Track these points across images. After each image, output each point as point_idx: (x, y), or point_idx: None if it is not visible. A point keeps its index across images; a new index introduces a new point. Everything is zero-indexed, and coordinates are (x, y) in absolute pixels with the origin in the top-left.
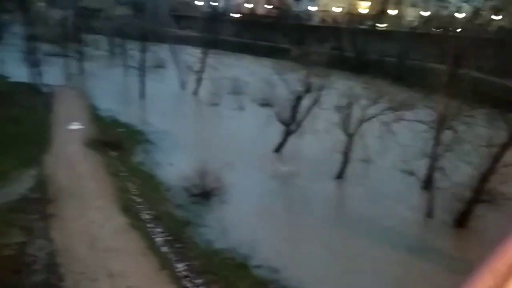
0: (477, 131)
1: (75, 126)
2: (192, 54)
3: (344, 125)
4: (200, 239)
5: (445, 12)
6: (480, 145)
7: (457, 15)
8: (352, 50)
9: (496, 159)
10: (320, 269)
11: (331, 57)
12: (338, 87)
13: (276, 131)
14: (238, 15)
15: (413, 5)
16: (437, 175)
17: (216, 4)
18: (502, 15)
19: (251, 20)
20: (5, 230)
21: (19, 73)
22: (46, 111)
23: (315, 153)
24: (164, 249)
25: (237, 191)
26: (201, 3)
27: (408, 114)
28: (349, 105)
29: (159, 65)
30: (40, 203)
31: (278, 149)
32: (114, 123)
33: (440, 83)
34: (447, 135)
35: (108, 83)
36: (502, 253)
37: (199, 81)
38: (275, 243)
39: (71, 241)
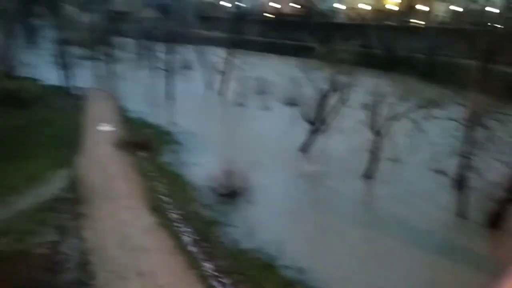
0: (510, 128)
1: (105, 127)
2: (218, 55)
3: (372, 124)
4: (227, 238)
5: (476, 7)
6: None
7: (488, 9)
8: (379, 47)
9: None
10: (348, 270)
11: (358, 55)
12: (366, 85)
13: (302, 130)
14: (264, 15)
15: (443, 0)
16: (469, 174)
17: (241, 4)
18: None
19: (277, 20)
20: (39, 229)
21: (51, 76)
22: (78, 113)
23: (342, 152)
24: (192, 248)
25: (264, 191)
26: (227, 4)
27: (438, 112)
28: (377, 103)
29: (186, 66)
30: (72, 203)
31: (305, 148)
32: (143, 124)
33: (472, 80)
34: (479, 132)
35: (136, 85)
36: None
37: (225, 81)
38: (302, 244)
39: (102, 240)
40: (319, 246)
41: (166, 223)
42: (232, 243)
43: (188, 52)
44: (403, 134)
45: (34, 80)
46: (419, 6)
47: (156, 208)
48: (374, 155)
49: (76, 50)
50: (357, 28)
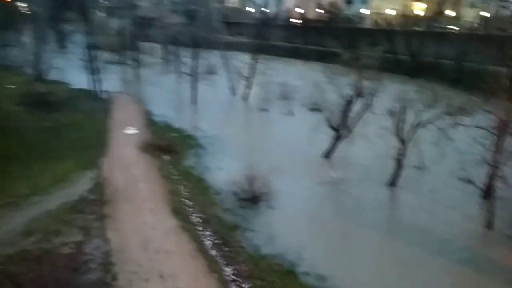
0: None
1: (131, 130)
2: (242, 60)
3: (397, 131)
4: (247, 243)
5: (506, 13)
6: None
7: None
8: (406, 52)
9: None
10: (369, 279)
11: (384, 60)
12: (391, 91)
13: (326, 136)
14: (289, 20)
15: (472, 6)
16: (497, 184)
17: (266, 10)
18: None
19: (302, 25)
20: (64, 229)
21: (79, 80)
22: (104, 116)
23: (367, 159)
24: (213, 252)
25: (285, 197)
26: (252, 10)
27: (466, 119)
28: (403, 110)
29: (211, 71)
30: (97, 204)
31: (328, 154)
32: (167, 127)
33: (501, 87)
34: (508, 141)
35: (162, 89)
36: None
37: (249, 86)
38: (323, 251)
39: (125, 241)
40: (340, 254)
41: (188, 226)
42: (253, 248)
43: (213, 57)
44: (430, 142)
45: (64, 83)
46: (447, 12)
47: (179, 211)
48: (399, 162)
49: (104, 55)
50: (383, 33)
